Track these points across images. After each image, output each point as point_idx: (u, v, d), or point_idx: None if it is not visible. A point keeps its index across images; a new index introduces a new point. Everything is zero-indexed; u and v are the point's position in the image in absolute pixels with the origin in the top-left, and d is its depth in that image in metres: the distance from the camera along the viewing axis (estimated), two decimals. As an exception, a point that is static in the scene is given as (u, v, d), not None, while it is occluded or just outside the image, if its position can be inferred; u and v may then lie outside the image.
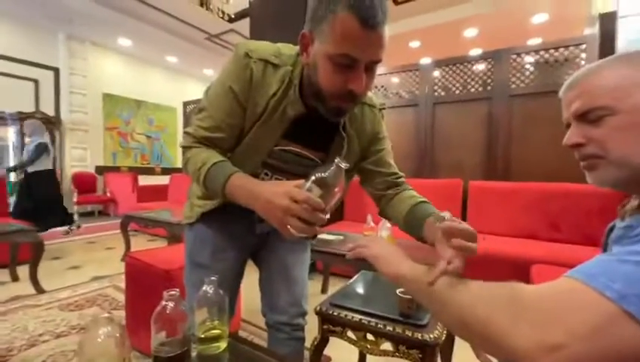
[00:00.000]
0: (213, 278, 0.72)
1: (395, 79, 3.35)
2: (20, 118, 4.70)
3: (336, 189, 0.59)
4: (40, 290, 2.26)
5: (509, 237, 2.38)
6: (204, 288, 0.71)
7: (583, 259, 1.60)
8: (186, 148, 0.75)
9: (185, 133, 0.76)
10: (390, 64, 3.47)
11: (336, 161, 0.59)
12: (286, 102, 0.71)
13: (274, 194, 0.59)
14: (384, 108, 0.75)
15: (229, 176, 0.68)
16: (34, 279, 2.26)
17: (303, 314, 0.92)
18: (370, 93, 0.83)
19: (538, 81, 2.65)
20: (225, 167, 0.70)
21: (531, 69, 2.70)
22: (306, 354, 1.37)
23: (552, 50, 2.59)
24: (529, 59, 2.72)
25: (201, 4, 3.97)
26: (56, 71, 5.29)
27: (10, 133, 4.79)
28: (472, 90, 2.92)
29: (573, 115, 0.54)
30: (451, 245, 0.50)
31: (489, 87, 2.83)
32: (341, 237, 2.03)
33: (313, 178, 0.59)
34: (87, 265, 2.94)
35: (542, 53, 2.63)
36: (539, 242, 2.26)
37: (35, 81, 5.10)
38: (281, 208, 0.57)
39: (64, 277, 2.60)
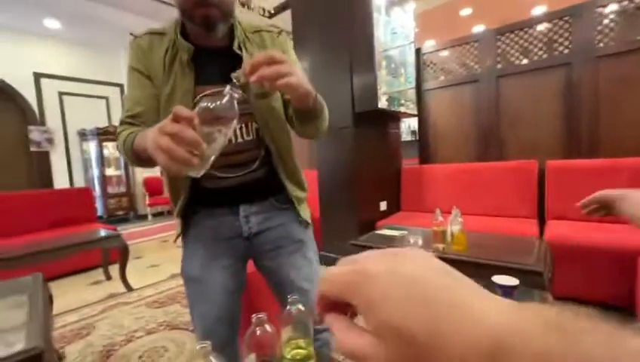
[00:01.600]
0: (295, 297, 0.70)
1: (444, 53, 3.06)
2: (98, 133, 5.29)
3: (222, 118, 0.53)
4: (129, 288, 2.53)
5: (603, 224, 2.07)
6: (287, 307, 0.70)
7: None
8: (117, 138, 0.78)
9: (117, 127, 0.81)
10: (441, 38, 3.19)
11: (227, 89, 0.54)
12: (179, 52, 0.77)
13: (155, 131, 0.52)
14: (282, 31, 0.75)
15: (134, 136, 0.69)
16: (124, 279, 2.54)
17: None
18: (260, 22, 0.87)
19: (625, 34, 2.22)
20: (137, 134, 0.69)
21: (615, 21, 2.26)
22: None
23: (650, -5, 2.13)
24: (613, 7, 2.26)
25: (243, 5, 4.03)
26: (121, 87, 5.82)
27: (92, 147, 5.41)
28: (545, 56, 2.55)
29: None
30: None
31: (566, 51, 2.45)
32: (405, 232, 1.93)
33: (197, 109, 0.52)
34: (164, 263, 3.23)
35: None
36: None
37: (106, 99, 5.68)
38: (152, 140, 0.52)
39: (146, 276, 2.89)
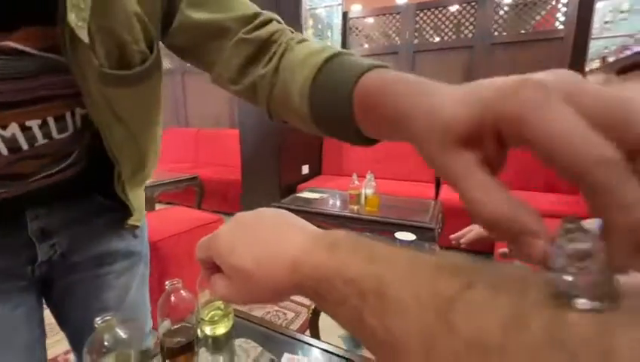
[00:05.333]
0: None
1: (369, 20, 3.11)
2: None
3: None
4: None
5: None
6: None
7: (555, 206, 1.70)
8: None
9: None
10: (365, 4, 3.21)
11: None
12: None
13: None
14: None
15: None
16: None
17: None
18: None
19: (515, 27, 2.59)
20: None
21: (508, 13, 2.62)
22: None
23: (538, -6, 2.50)
24: (508, 0, 2.60)
25: None
26: None
27: None
28: (454, 37, 2.81)
29: None
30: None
31: (470, 35, 2.74)
32: (324, 195, 2.03)
33: None
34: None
35: (527, -4, 2.53)
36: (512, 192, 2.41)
37: None
38: None
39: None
